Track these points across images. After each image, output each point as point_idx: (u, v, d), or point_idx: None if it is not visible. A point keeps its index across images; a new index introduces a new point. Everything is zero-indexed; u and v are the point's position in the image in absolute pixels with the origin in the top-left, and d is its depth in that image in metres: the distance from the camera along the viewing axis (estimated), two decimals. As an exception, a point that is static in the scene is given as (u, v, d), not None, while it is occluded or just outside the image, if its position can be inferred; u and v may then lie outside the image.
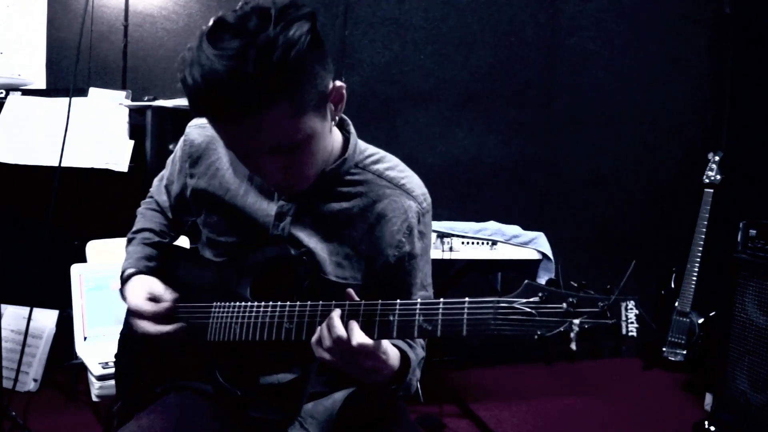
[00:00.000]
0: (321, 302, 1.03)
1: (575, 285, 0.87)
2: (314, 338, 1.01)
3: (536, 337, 0.84)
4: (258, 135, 0.97)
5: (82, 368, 1.99)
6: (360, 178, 1.19)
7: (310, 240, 1.17)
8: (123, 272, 1.30)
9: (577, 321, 0.83)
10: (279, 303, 1.08)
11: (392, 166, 1.22)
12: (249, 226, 1.20)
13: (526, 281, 0.89)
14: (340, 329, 0.97)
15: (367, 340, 0.96)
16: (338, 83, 1.05)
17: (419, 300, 0.96)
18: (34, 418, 2.31)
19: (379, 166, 1.20)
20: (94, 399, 1.89)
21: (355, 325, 0.97)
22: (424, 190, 1.22)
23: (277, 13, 0.92)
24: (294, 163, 1.05)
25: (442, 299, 0.94)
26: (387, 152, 1.26)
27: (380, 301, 0.98)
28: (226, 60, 0.90)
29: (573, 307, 0.84)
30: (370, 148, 1.23)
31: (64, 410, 2.54)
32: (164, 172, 1.40)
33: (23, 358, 2.48)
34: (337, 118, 1.10)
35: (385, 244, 1.17)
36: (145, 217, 1.40)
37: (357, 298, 1.02)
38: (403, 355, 1.08)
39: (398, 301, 0.97)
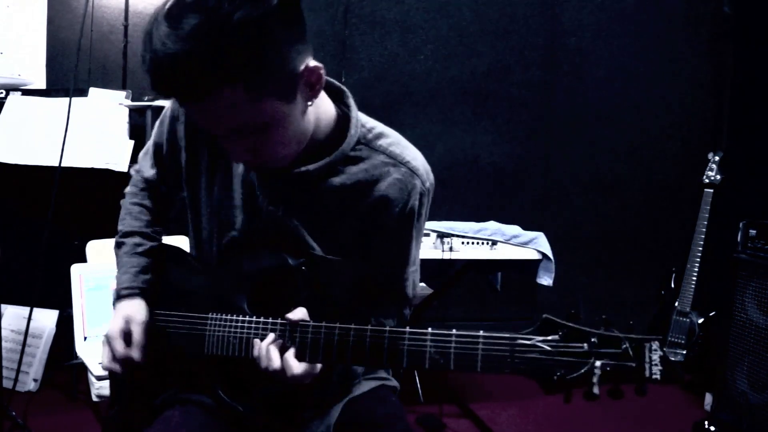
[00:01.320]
0: (324, 323, 1.02)
1: (596, 321, 0.84)
2: (255, 354, 1.04)
3: (555, 378, 0.82)
4: (214, 117, 0.93)
5: (82, 368, 1.99)
6: (362, 155, 1.12)
7: (306, 221, 1.13)
8: (120, 288, 1.23)
9: (599, 363, 0.80)
10: (279, 320, 1.05)
11: (395, 141, 1.16)
12: (244, 202, 1.14)
13: (544, 316, 0.86)
14: (276, 362, 1.00)
15: (300, 371, 1.00)
16: (312, 63, 0.95)
17: (430, 329, 0.94)
18: (34, 418, 2.30)
19: (382, 142, 1.14)
20: (94, 399, 1.89)
21: (289, 355, 1.00)
22: (428, 167, 1.17)
23: None
24: (261, 145, 0.99)
25: (454, 330, 0.91)
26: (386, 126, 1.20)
27: (388, 328, 0.96)
28: (179, 40, 0.84)
29: (595, 347, 0.81)
30: (370, 121, 1.16)
31: (64, 410, 2.54)
32: (149, 143, 1.30)
33: (23, 358, 2.48)
34: (313, 100, 1.01)
35: (386, 225, 1.13)
36: (132, 214, 1.30)
37: (309, 320, 1.03)
38: None
39: (407, 329, 0.95)
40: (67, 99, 2.34)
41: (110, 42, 2.91)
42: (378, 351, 0.96)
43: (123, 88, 2.82)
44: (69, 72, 2.68)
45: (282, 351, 1.02)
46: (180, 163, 1.21)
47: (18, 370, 2.45)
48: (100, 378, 1.84)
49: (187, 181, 1.21)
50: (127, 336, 1.17)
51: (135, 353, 1.16)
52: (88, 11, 2.61)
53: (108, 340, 1.17)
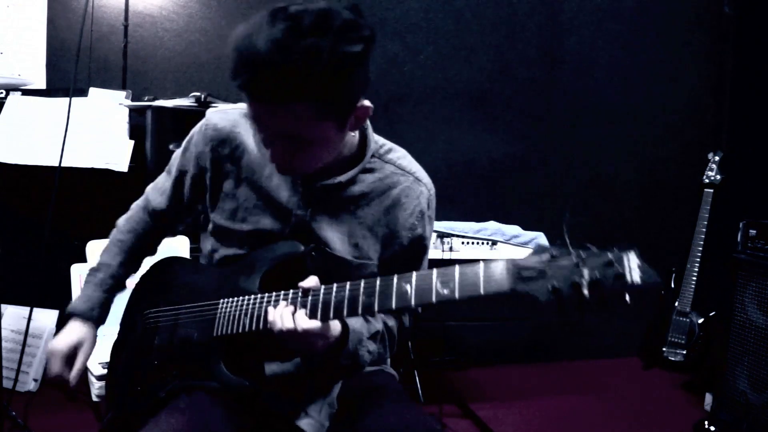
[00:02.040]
0: (335, 284, 1.07)
1: (580, 245, 0.93)
2: (270, 319, 1.09)
3: (550, 288, 0.89)
4: (274, 120, 1.04)
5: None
6: (376, 166, 1.27)
7: (330, 223, 1.23)
8: (75, 309, 1.36)
9: (586, 271, 0.88)
10: (291, 291, 1.11)
11: (403, 155, 1.33)
12: (271, 208, 1.24)
13: (536, 243, 0.94)
14: (289, 322, 1.06)
15: (311, 326, 1.05)
16: (366, 103, 1.10)
17: (436, 269, 1.00)
18: (34, 418, 2.31)
19: (392, 156, 1.30)
20: (94, 399, 1.89)
21: (300, 314, 1.06)
22: (429, 179, 1.34)
23: (338, 27, 0.97)
24: (300, 154, 1.10)
25: (457, 265, 0.98)
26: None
27: (396, 275, 1.02)
28: (270, 44, 0.95)
29: (581, 260, 0.90)
30: (381, 140, 1.32)
31: (64, 410, 2.54)
32: (165, 174, 1.40)
33: (23, 358, 2.48)
34: (355, 131, 1.18)
35: (400, 226, 1.26)
36: (110, 251, 1.43)
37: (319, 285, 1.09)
38: (344, 326, 1.14)
39: (414, 272, 1.02)
40: (67, 99, 2.34)
41: (110, 42, 2.91)
42: (387, 294, 1.02)
43: (123, 88, 2.82)
44: (69, 72, 2.68)
45: (294, 313, 1.08)
46: (205, 183, 1.30)
47: (18, 370, 2.45)
48: (100, 378, 1.84)
49: (211, 198, 1.30)
50: (69, 359, 1.31)
51: (72, 377, 1.31)
52: (88, 11, 2.61)
53: (51, 354, 1.31)
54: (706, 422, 2.56)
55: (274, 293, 1.13)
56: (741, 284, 2.57)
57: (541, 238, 2.69)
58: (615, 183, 3.65)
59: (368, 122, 1.25)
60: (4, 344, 2.50)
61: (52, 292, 2.51)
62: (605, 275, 0.87)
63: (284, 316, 1.07)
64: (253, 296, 1.16)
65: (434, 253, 2.56)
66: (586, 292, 0.87)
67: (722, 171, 3.26)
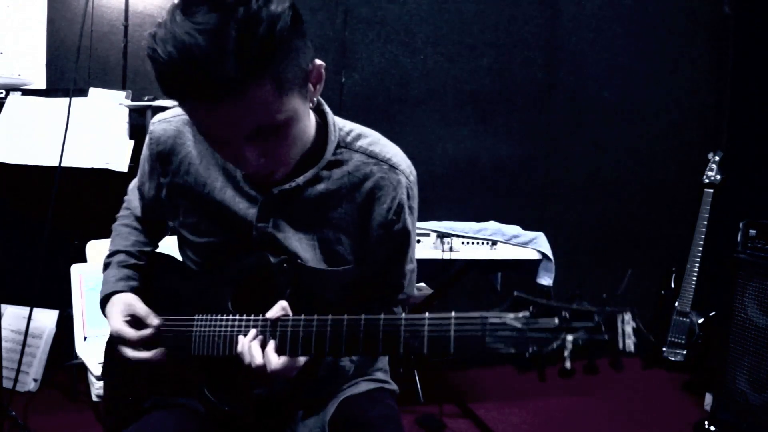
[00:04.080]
0: (303, 316, 1.01)
1: (568, 296, 0.83)
2: (238, 350, 1.02)
3: (527, 355, 0.80)
4: (239, 117, 0.89)
5: (82, 368, 1.99)
6: (344, 157, 1.12)
7: (296, 232, 1.12)
8: (102, 296, 1.24)
9: (570, 337, 0.79)
10: (261, 317, 1.04)
11: (374, 140, 1.16)
12: (230, 222, 1.13)
13: (515, 293, 0.85)
14: (258, 358, 0.99)
15: (280, 366, 0.98)
16: (318, 62, 0.98)
17: (403, 315, 0.93)
18: (34, 418, 2.31)
19: (362, 143, 1.14)
20: (94, 399, 1.89)
21: (269, 350, 0.99)
22: (409, 162, 1.18)
23: None
24: (274, 148, 0.98)
25: (427, 314, 0.90)
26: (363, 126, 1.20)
27: (364, 316, 0.95)
28: (204, 34, 0.82)
29: (566, 322, 0.79)
30: (347, 124, 1.17)
31: (64, 410, 2.54)
32: (136, 180, 1.34)
33: (23, 358, 2.48)
34: (315, 99, 1.03)
35: (376, 223, 1.13)
36: (120, 235, 1.33)
37: (290, 312, 1.02)
38: None
39: (382, 315, 0.94)
40: (67, 99, 2.34)
41: (110, 42, 2.91)
42: (354, 339, 0.94)
43: (123, 88, 2.82)
44: (69, 72, 2.68)
45: (263, 346, 1.01)
46: (162, 198, 1.22)
47: (18, 370, 2.45)
48: (100, 378, 1.84)
49: (172, 213, 1.22)
50: (132, 322, 1.16)
51: (153, 323, 1.14)
52: (88, 11, 2.61)
53: (117, 338, 1.15)
54: (706, 422, 2.56)
55: (245, 318, 1.06)
56: (741, 284, 2.57)
57: (540, 238, 2.69)
58: (615, 183, 3.65)
59: (327, 107, 1.12)
60: (4, 344, 2.50)
61: (52, 292, 2.51)
62: (591, 342, 0.77)
63: (253, 349, 1.00)
64: (225, 317, 1.08)
65: (434, 253, 2.56)
66: (567, 365, 0.78)
67: (722, 171, 3.26)
